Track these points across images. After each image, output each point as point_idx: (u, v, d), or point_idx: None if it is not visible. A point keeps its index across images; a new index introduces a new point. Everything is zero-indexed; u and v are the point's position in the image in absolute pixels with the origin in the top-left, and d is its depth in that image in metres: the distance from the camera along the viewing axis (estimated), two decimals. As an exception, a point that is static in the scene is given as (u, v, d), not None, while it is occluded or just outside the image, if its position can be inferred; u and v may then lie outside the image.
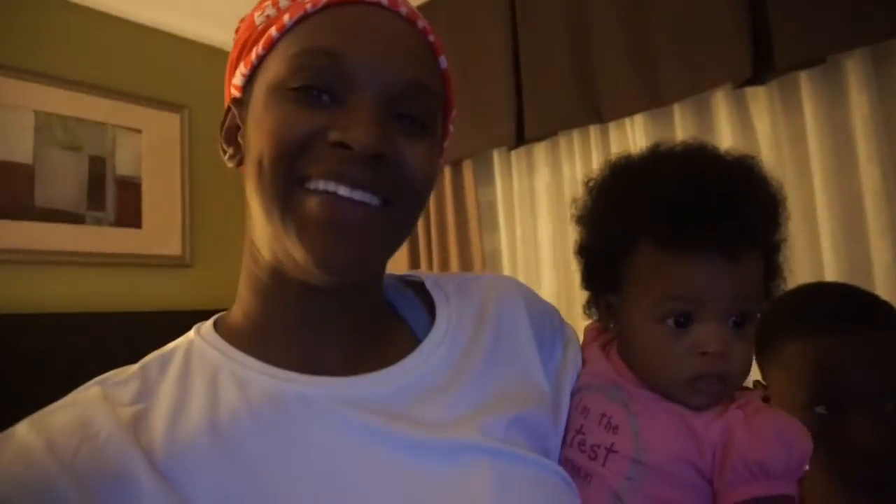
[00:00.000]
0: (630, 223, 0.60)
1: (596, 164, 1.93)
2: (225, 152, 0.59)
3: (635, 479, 0.57)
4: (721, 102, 1.74)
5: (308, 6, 0.52)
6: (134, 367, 0.55)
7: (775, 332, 0.82)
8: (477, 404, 0.55)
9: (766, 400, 0.88)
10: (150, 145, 2.37)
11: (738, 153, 0.62)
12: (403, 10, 0.55)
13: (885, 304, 0.80)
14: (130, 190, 2.30)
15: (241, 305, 0.59)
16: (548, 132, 2.05)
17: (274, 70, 0.52)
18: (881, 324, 0.78)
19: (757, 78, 1.62)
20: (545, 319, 0.67)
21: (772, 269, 0.63)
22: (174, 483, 0.45)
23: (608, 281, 0.63)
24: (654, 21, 1.79)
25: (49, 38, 2.17)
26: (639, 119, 1.87)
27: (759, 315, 0.61)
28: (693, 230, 0.56)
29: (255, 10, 0.58)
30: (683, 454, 0.56)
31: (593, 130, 2.00)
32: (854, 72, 1.51)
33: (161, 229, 2.37)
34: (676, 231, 0.57)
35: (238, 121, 0.57)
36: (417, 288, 0.66)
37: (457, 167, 2.31)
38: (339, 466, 0.49)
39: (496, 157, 2.26)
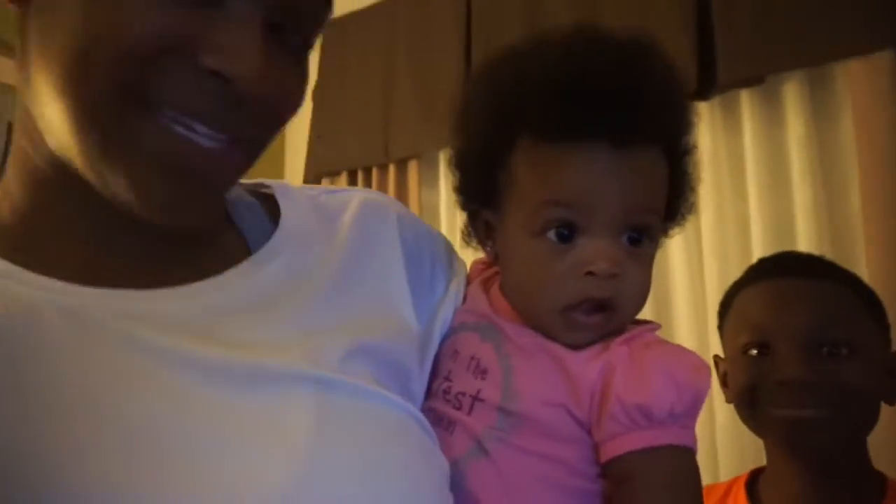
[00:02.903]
0: (507, 116, 0.52)
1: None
2: None
3: (504, 430, 0.49)
4: (663, 116, 1.75)
5: None
6: None
7: (732, 291, 0.89)
8: (309, 327, 0.46)
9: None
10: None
11: (634, 32, 0.53)
12: None
13: (832, 262, 0.89)
14: None
15: (8, 196, 0.46)
16: (495, 135, 2.02)
17: None
18: (828, 274, 0.84)
19: (700, 93, 1.63)
20: (425, 245, 0.59)
21: (679, 180, 0.54)
22: None
23: (485, 193, 0.55)
24: (602, 28, 1.79)
25: None
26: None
27: (661, 235, 0.53)
28: (574, 114, 0.48)
29: None
30: (557, 400, 0.48)
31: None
32: (791, 93, 1.54)
33: None
34: (555, 117, 0.49)
35: None
36: (269, 200, 0.55)
37: (402, 166, 2.25)
38: (117, 394, 0.39)
39: (442, 158, 2.22)
